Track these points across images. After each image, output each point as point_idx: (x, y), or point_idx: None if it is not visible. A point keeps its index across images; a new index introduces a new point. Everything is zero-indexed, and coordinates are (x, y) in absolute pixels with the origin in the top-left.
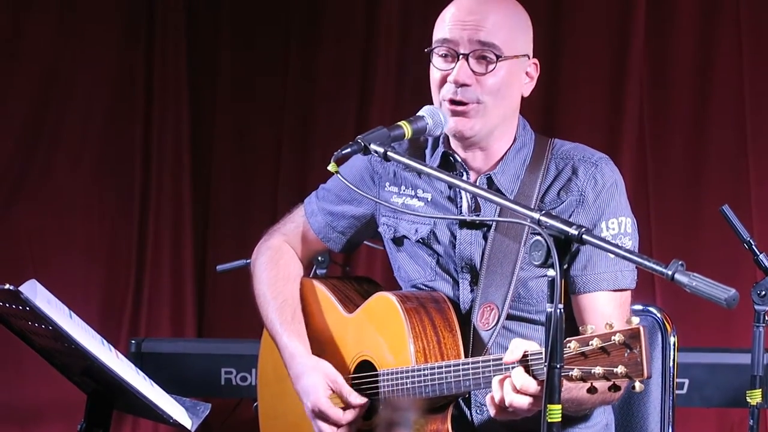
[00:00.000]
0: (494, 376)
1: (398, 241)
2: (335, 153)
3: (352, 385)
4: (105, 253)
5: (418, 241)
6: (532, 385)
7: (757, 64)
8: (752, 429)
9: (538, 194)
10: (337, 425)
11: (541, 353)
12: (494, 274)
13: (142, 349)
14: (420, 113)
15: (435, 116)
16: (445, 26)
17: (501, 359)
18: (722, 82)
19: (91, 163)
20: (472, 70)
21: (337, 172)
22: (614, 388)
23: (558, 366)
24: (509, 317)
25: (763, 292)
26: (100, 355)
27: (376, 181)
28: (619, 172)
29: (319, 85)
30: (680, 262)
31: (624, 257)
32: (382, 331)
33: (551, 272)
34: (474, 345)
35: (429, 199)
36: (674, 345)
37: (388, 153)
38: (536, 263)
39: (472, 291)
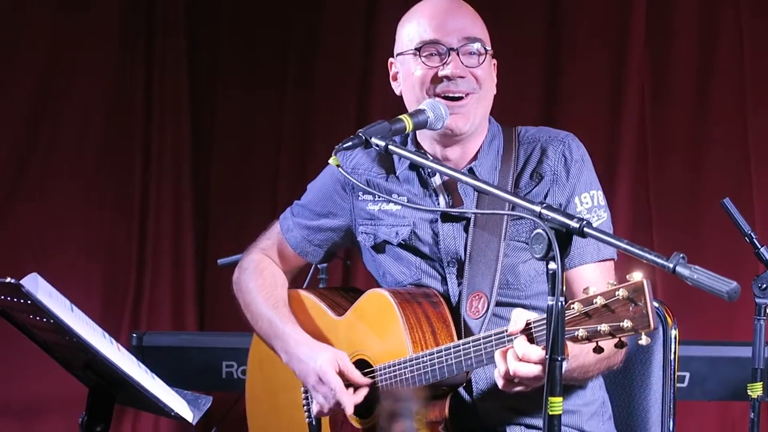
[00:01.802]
0: (496, 349)
1: (379, 247)
2: (336, 146)
3: (348, 385)
4: (106, 247)
5: (399, 244)
6: (535, 352)
7: (758, 59)
8: (753, 422)
9: (512, 181)
10: (333, 392)
11: (544, 320)
12: (479, 264)
13: (144, 342)
14: (421, 106)
15: (436, 109)
16: (421, 29)
17: (502, 332)
18: (723, 77)
19: (92, 159)
20: (464, 64)
21: (338, 165)
22: (620, 344)
23: (559, 359)
24: (499, 304)
25: (764, 285)
26: (101, 348)
27: (348, 192)
28: (584, 147)
29: (319, 80)
30: (681, 255)
31: (625, 250)
32: (376, 327)
33: (552, 265)
34: (466, 335)
35: (406, 201)
36: (675, 338)
37: (389, 146)
38: (537, 256)
39: (460, 284)
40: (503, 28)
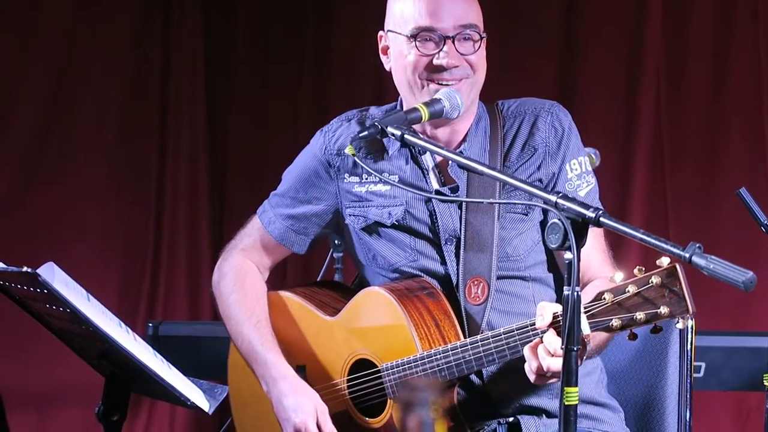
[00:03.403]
0: (521, 343)
1: (370, 229)
2: (352, 136)
3: (351, 387)
4: (122, 236)
5: (393, 225)
6: None
7: None
8: None
9: (500, 158)
10: None
11: None
12: (474, 246)
13: (159, 332)
14: (437, 96)
15: (452, 99)
16: (416, 13)
17: (526, 327)
18: (738, 73)
19: (108, 147)
20: (458, 51)
21: (354, 155)
22: (656, 330)
23: (575, 349)
24: (499, 278)
25: None
26: (117, 337)
27: (333, 175)
28: (570, 114)
29: (334, 66)
30: (697, 245)
31: (641, 240)
32: (377, 326)
33: (568, 255)
34: (468, 322)
35: (396, 181)
36: (692, 328)
37: (405, 136)
38: (553, 246)
39: (458, 263)
40: (519, 21)
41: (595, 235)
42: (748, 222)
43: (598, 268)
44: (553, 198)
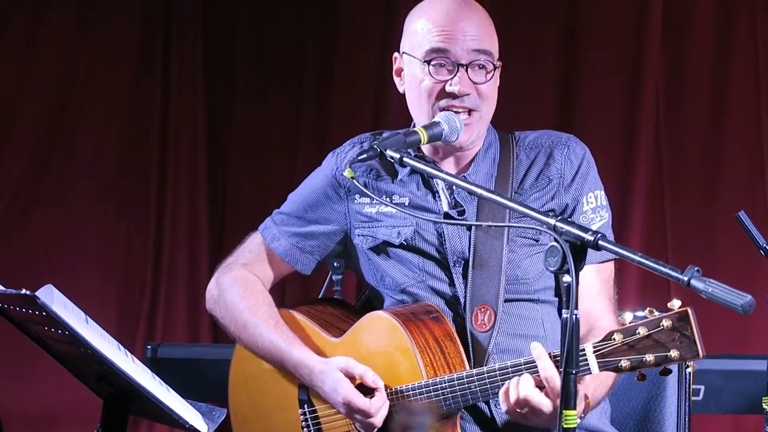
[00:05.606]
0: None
1: (379, 248)
2: (350, 159)
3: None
4: (121, 258)
5: (401, 245)
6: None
7: None
8: None
9: (512, 185)
10: (369, 413)
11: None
12: (482, 271)
13: (158, 354)
14: (436, 119)
15: (451, 122)
16: (431, 36)
17: (533, 361)
18: (738, 83)
19: (107, 169)
20: (471, 80)
21: (353, 177)
22: (665, 372)
23: (574, 372)
24: (507, 300)
25: None
26: (116, 360)
27: (343, 195)
28: (587, 148)
29: (334, 89)
30: (696, 268)
31: (640, 263)
32: (382, 350)
33: (567, 278)
34: (474, 349)
35: (406, 204)
36: None
37: (404, 159)
38: (552, 269)
39: (466, 286)
40: (518, 37)
41: (603, 279)
42: (747, 245)
43: (600, 315)
44: (552, 221)
